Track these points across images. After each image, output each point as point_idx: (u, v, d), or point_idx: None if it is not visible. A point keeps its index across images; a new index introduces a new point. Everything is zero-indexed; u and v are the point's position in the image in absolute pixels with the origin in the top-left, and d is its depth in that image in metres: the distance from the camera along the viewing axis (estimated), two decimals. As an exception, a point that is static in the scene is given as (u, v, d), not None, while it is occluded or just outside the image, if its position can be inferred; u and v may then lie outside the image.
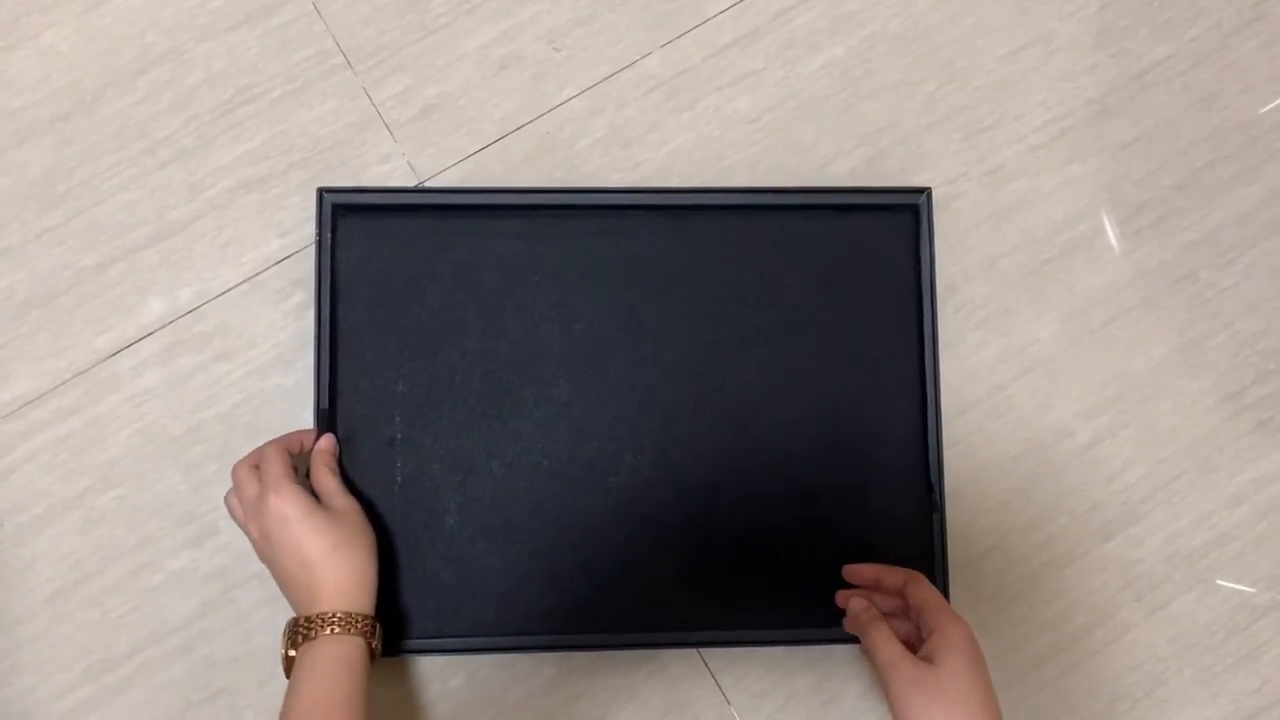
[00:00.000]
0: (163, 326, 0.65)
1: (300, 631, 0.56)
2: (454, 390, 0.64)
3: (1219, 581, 0.67)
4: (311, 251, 0.65)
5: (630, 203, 0.66)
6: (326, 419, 0.63)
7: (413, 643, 0.62)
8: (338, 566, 0.57)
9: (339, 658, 0.55)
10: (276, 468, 0.58)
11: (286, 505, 0.57)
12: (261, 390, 0.65)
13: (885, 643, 0.57)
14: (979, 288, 0.69)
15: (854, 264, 0.66)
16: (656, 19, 0.69)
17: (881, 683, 0.56)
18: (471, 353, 0.64)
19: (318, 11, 0.68)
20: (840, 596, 0.63)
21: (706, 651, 0.65)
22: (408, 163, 0.67)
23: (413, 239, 0.64)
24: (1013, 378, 0.68)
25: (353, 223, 0.64)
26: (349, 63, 0.68)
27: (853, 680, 0.65)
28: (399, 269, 0.64)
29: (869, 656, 0.58)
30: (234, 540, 0.63)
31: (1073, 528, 0.67)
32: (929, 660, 0.55)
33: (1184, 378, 0.69)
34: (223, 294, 0.66)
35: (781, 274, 0.66)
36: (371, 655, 0.57)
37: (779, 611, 0.64)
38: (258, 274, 0.66)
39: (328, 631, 0.55)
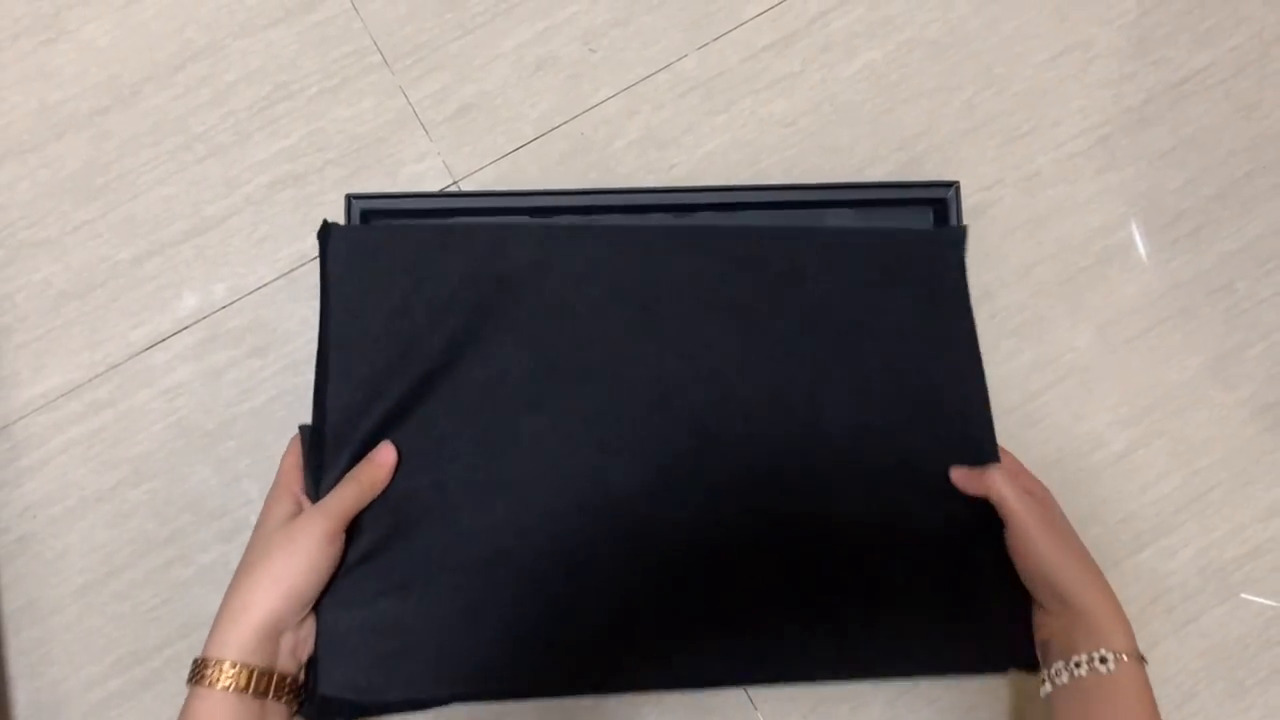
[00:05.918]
0: (197, 321, 0.66)
1: (193, 672, 0.49)
2: (465, 407, 0.58)
3: (1244, 596, 0.67)
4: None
5: (649, 203, 0.64)
6: (314, 438, 0.57)
7: (411, 692, 0.55)
8: (231, 595, 0.50)
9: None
10: (276, 484, 0.56)
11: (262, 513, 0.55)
12: (295, 386, 0.65)
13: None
14: (1013, 295, 0.68)
15: (884, 262, 0.63)
16: (693, 21, 0.69)
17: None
18: (488, 367, 0.59)
19: (355, 9, 0.68)
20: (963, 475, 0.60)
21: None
22: (443, 162, 0.67)
23: (417, 250, 0.59)
24: (1047, 385, 0.68)
25: (344, 236, 0.60)
26: (386, 61, 0.68)
27: (882, 687, 0.65)
28: (394, 283, 0.59)
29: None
30: (264, 536, 0.63)
31: (1105, 538, 0.67)
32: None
33: (1220, 389, 0.68)
34: (257, 290, 0.66)
35: (809, 275, 0.62)
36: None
37: (818, 644, 0.59)
38: (292, 270, 0.66)
39: (220, 686, 0.48)
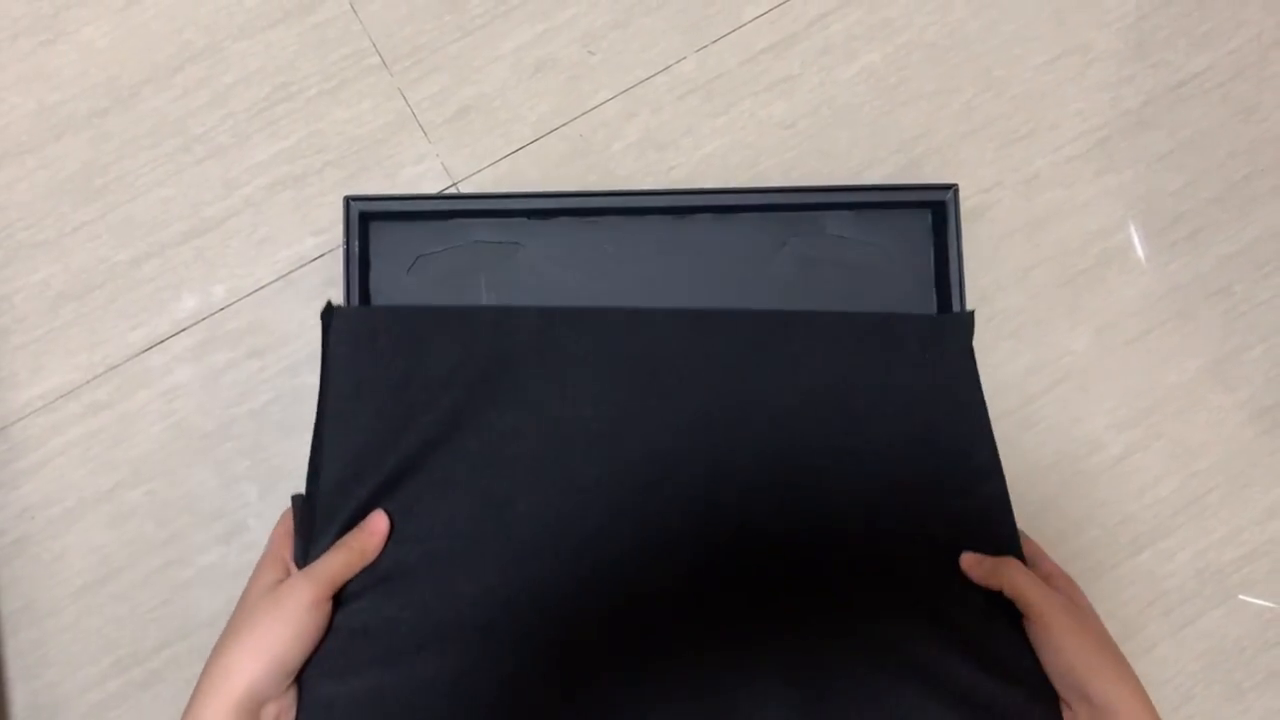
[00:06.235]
0: (196, 323, 0.66)
1: None
2: (461, 479, 0.57)
3: (1242, 597, 0.67)
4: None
5: (647, 205, 0.64)
6: (306, 506, 0.57)
7: None
8: (213, 662, 0.48)
9: None
10: (266, 552, 0.55)
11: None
12: (293, 388, 0.65)
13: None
14: (1012, 298, 0.68)
15: (891, 344, 0.61)
16: (692, 23, 0.69)
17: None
18: (484, 439, 0.58)
19: (354, 11, 0.68)
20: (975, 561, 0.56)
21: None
22: (441, 164, 0.67)
23: (418, 330, 0.59)
24: (1044, 389, 0.68)
25: (347, 317, 0.60)
26: (385, 63, 0.68)
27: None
28: (395, 361, 0.58)
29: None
30: (263, 538, 0.63)
31: (1103, 540, 0.67)
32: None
33: (1218, 391, 0.68)
34: (256, 291, 0.66)
35: (815, 357, 0.61)
36: None
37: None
38: (291, 272, 0.66)
39: None
